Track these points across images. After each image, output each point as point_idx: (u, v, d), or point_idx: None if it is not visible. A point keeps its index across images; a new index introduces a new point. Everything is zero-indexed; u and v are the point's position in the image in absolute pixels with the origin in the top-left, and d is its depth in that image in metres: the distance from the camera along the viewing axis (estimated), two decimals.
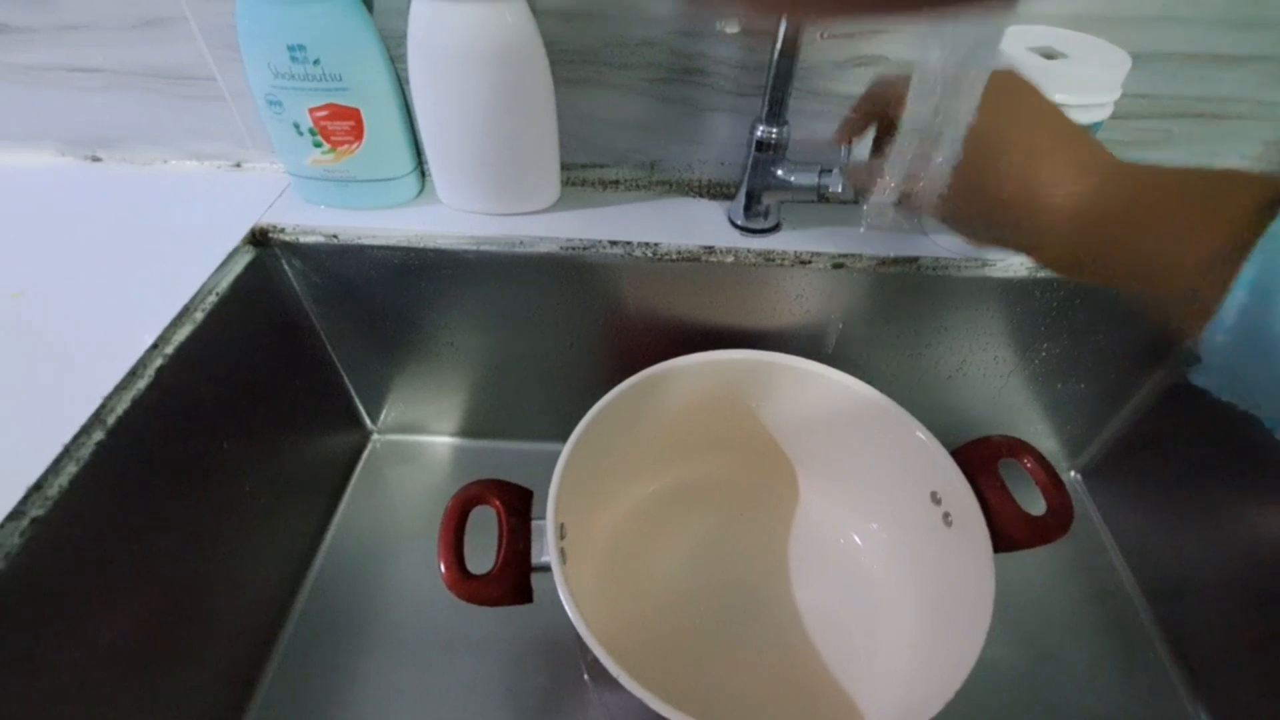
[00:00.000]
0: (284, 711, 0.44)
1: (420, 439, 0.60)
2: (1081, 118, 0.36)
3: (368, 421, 0.58)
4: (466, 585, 0.36)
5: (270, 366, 0.47)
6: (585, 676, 0.46)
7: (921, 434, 0.42)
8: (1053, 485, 0.41)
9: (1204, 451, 0.48)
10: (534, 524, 0.38)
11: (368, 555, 0.52)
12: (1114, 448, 0.56)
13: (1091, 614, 0.50)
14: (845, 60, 0.42)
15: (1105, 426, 0.55)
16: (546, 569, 0.36)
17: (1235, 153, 0.46)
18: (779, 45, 0.37)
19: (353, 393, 0.55)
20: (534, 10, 0.40)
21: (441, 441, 0.60)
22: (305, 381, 0.51)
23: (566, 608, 0.33)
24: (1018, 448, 0.43)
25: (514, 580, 0.37)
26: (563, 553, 0.38)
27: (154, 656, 0.37)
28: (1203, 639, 0.47)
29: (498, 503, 0.39)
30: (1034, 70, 0.36)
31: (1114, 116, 0.43)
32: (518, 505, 0.39)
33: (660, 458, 0.49)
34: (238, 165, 0.50)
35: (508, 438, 0.59)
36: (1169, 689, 0.47)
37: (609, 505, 0.48)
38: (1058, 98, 0.36)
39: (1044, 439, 0.57)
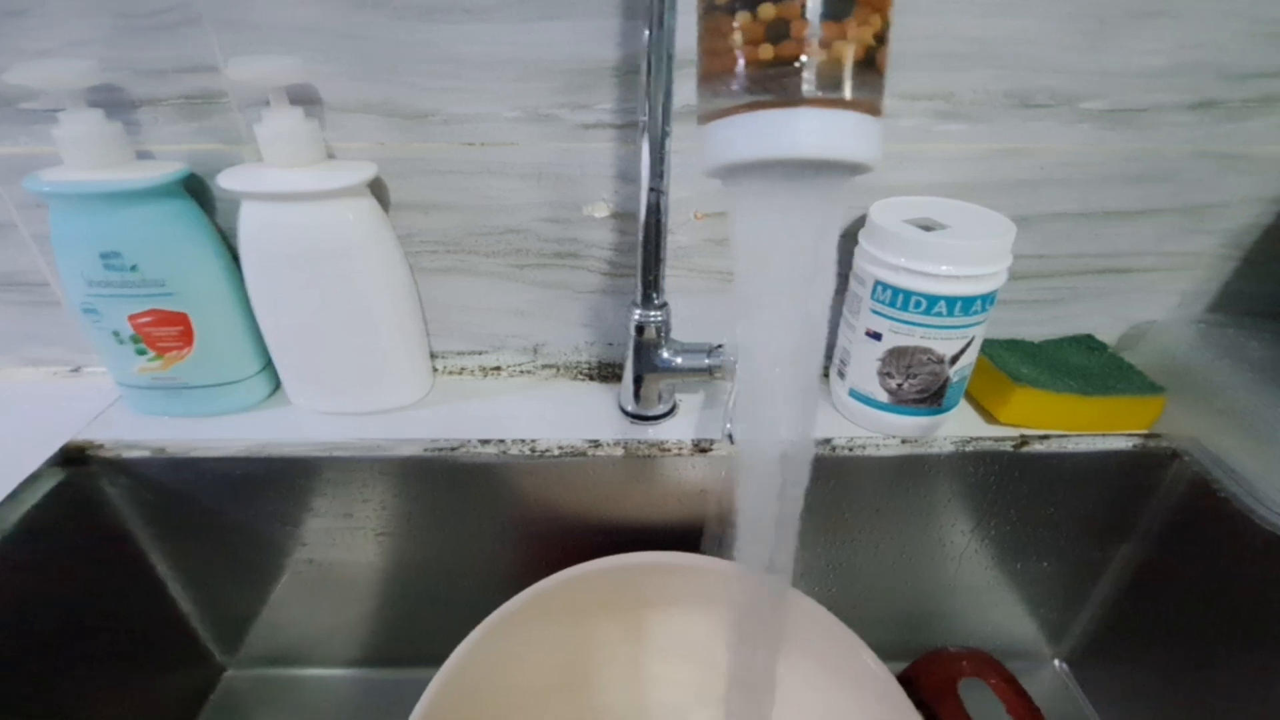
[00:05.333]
0: None
1: (287, 672, 0.50)
2: (972, 289, 0.33)
3: (216, 654, 0.48)
4: None
5: (90, 603, 0.39)
6: None
7: (869, 659, 0.35)
8: (1025, 711, 0.34)
9: (1203, 629, 0.40)
10: None
11: None
12: (1099, 631, 0.48)
13: None
14: (724, 238, 0.40)
15: (1083, 608, 0.48)
16: None
17: (1149, 304, 0.43)
18: (642, 228, 0.35)
19: (194, 623, 0.46)
20: (387, 204, 0.38)
21: (315, 674, 0.50)
22: (136, 614, 0.42)
23: None
24: (980, 664, 0.36)
25: None
26: None
27: None
28: None
29: None
30: (912, 244, 0.33)
31: (1012, 278, 0.41)
32: None
33: (558, 697, 0.40)
34: (76, 370, 0.45)
35: (394, 665, 0.49)
36: None
37: None
38: (943, 269, 0.33)
39: (1017, 624, 0.49)
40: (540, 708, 0.38)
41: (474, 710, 0.34)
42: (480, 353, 0.44)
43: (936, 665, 0.36)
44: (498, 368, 0.44)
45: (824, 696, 0.36)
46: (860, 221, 0.37)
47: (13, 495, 0.35)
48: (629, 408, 0.41)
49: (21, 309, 0.43)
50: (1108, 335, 0.44)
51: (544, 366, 0.45)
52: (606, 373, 0.45)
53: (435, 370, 0.44)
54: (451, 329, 0.43)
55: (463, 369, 0.44)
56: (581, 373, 0.45)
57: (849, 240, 0.39)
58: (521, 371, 0.45)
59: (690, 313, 0.42)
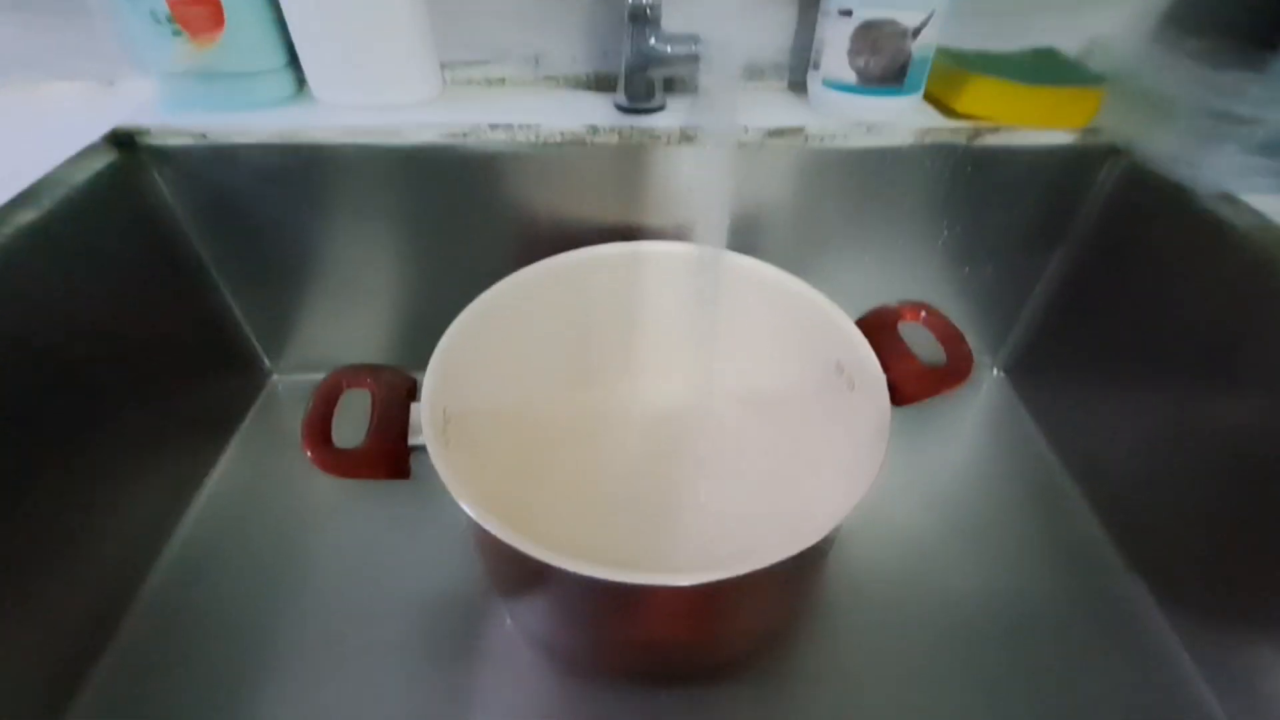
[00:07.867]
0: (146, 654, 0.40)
1: None
2: None
3: (265, 359, 0.55)
4: (331, 457, 0.33)
5: (144, 288, 0.44)
6: (507, 621, 0.42)
7: (827, 306, 0.41)
8: (949, 335, 0.40)
9: (1114, 333, 0.47)
10: (414, 406, 0.36)
11: (250, 509, 0.47)
12: (1031, 339, 0.55)
13: (1025, 498, 0.49)
14: None
15: (1019, 317, 0.55)
16: (423, 449, 0.34)
17: (1107, 18, 0.46)
18: None
19: (244, 325, 0.52)
20: None
21: None
22: (189, 310, 0.48)
23: (440, 473, 0.31)
24: (915, 307, 0.42)
25: (386, 452, 0.34)
26: (445, 434, 0.36)
27: None
28: (1134, 512, 0.46)
29: (371, 382, 0.37)
30: None
31: None
32: (396, 386, 0.37)
33: (561, 354, 0.47)
34: (111, 84, 0.48)
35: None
36: (1103, 559, 0.45)
37: (507, 403, 0.46)
38: None
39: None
40: (547, 349, 0.45)
41: (489, 345, 0.41)
42: (485, 63, 0.47)
43: (880, 314, 0.42)
44: (502, 79, 0.48)
45: (792, 341, 0.43)
46: None
47: (73, 160, 0.40)
48: (623, 103, 0.45)
49: (56, 20, 0.45)
50: (1069, 49, 0.48)
51: (545, 79, 0.48)
52: (603, 84, 0.48)
53: (444, 82, 0.48)
54: (457, 37, 0.46)
55: (469, 79, 0.48)
56: (580, 83, 0.48)
57: None
58: (523, 83, 0.48)
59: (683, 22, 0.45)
